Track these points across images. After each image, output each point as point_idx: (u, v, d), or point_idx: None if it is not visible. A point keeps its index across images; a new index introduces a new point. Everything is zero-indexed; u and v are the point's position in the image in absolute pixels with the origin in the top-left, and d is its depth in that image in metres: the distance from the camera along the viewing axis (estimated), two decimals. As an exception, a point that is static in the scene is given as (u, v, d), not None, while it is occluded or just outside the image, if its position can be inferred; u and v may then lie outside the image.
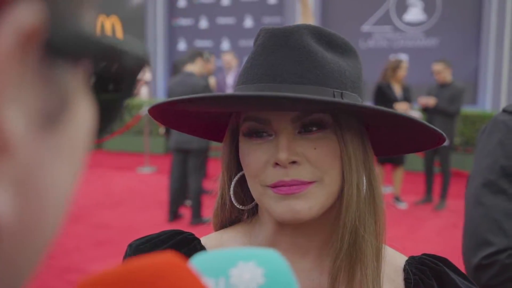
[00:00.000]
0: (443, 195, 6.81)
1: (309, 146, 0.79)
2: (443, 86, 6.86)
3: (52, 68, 0.26)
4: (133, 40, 0.31)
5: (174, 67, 7.12)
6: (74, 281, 4.41)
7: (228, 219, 0.92)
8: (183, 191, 6.34)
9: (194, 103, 0.83)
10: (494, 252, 1.49)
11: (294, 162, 0.78)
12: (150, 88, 12.03)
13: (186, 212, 6.38)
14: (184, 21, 12.50)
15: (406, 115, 0.80)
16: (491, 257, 1.51)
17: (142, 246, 0.89)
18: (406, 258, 0.92)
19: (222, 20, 12.11)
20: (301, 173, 0.77)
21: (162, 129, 7.80)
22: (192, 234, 0.91)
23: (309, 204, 0.77)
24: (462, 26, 10.50)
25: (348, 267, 0.80)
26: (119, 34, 13.13)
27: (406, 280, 0.88)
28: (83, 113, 0.29)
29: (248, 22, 11.95)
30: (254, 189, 0.82)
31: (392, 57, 7.80)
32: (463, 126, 8.84)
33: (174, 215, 6.20)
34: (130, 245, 0.91)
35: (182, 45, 12.53)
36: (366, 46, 10.94)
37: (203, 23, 12.33)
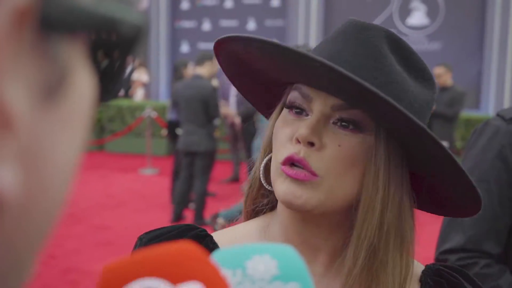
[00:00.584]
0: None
1: (335, 140, 0.76)
2: (443, 89, 6.93)
3: (49, 42, 0.26)
4: (131, 8, 0.30)
5: (175, 68, 7.17)
6: (74, 281, 4.43)
7: (253, 203, 0.89)
8: (189, 193, 6.37)
9: (248, 43, 0.80)
10: (448, 250, 1.53)
11: (312, 145, 0.75)
12: (147, 90, 12.05)
13: (188, 214, 6.39)
14: (187, 24, 12.53)
15: (453, 158, 0.74)
16: (444, 254, 1.55)
17: (153, 242, 0.86)
18: (423, 267, 0.89)
19: (225, 23, 12.14)
20: (312, 158, 0.75)
21: (164, 131, 7.83)
22: (205, 230, 0.88)
23: (306, 195, 0.75)
24: (465, 31, 10.52)
25: (365, 285, 0.77)
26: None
27: None
28: (83, 84, 0.29)
29: (251, 25, 11.99)
30: (273, 165, 0.80)
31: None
32: (465, 131, 8.84)
33: (177, 216, 6.23)
34: (140, 239, 0.89)
35: (185, 47, 12.56)
36: (369, 49, 11.00)
37: (206, 26, 12.37)
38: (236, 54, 0.83)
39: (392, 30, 0.80)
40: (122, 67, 0.32)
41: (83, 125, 0.30)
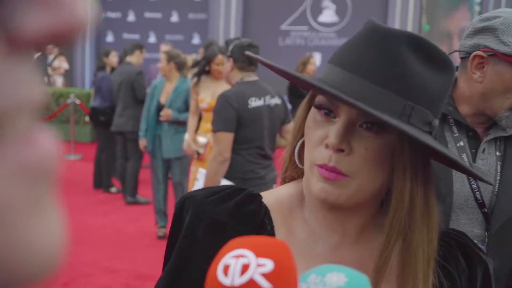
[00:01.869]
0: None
1: (361, 143, 0.79)
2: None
3: None
4: None
5: (99, 57, 7.47)
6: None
7: (290, 176, 0.94)
8: (115, 166, 6.81)
9: (279, 73, 0.87)
10: None
11: (342, 151, 0.79)
12: (72, 78, 12.08)
13: (114, 196, 6.71)
14: (113, 14, 12.60)
15: (463, 164, 0.82)
16: None
17: (210, 199, 0.88)
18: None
19: (149, 15, 12.32)
20: (342, 163, 0.79)
21: (87, 117, 8.00)
22: (253, 190, 0.91)
23: (337, 192, 0.80)
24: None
25: (400, 267, 0.82)
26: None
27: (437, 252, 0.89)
28: None
29: (175, 17, 12.23)
30: (306, 161, 0.84)
31: (307, 54, 8.24)
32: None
33: (108, 185, 6.80)
34: (192, 197, 0.89)
35: (110, 37, 12.63)
36: (284, 43, 11.60)
37: (131, 17, 12.50)
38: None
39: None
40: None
41: None
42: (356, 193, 0.81)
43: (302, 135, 0.88)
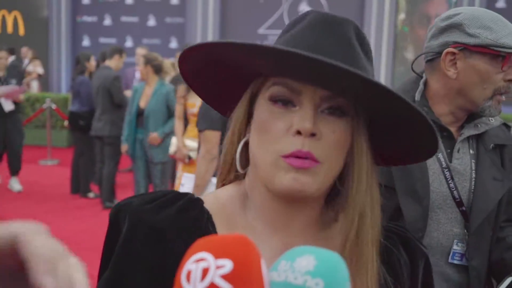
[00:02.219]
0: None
1: (329, 127, 0.79)
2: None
3: None
4: None
5: (77, 61, 7.39)
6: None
7: (228, 178, 0.91)
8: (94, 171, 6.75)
9: (239, 49, 0.79)
10: None
11: (314, 136, 0.77)
12: (48, 82, 11.96)
13: (93, 201, 6.65)
14: (89, 18, 12.53)
15: (413, 105, 0.77)
16: None
17: (148, 207, 0.82)
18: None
19: (126, 19, 12.27)
20: (315, 148, 0.77)
21: (66, 122, 7.92)
22: (193, 195, 0.88)
23: (311, 180, 0.77)
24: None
25: (356, 251, 0.80)
26: (21, 29, 12.93)
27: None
28: None
29: (151, 22, 12.19)
30: (265, 156, 0.80)
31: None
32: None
33: (86, 190, 6.78)
34: (127, 204, 0.84)
35: (86, 42, 12.54)
36: (262, 47, 11.56)
37: (107, 21, 12.42)
38: (205, 56, 0.82)
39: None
40: None
41: None
42: (326, 179, 0.80)
43: (243, 134, 0.86)
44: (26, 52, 11.63)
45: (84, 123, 6.81)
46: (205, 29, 11.64)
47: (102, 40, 12.17)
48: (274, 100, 0.80)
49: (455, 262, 1.63)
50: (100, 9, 12.41)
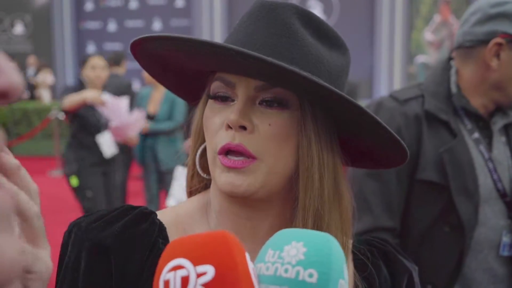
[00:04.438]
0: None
1: (264, 120, 0.76)
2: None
3: None
4: None
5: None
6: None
7: (198, 187, 0.89)
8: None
9: (162, 42, 0.78)
10: (361, 232, 1.53)
11: (244, 128, 0.75)
12: (54, 92, 11.86)
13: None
14: (92, 24, 12.43)
15: (366, 111, 0.74)
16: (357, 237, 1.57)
17: (94, 225, 0.80)
18: (351, 240, 0.90)
19: (131, 23, 12.17)
20: (248, 141, 0.74)
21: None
22: (147, 208, 0.85)
23: (248, 181, 0.75)
24: (358, 27, 11.18)
25: None
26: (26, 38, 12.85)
27: (355, 261, 0.87)
28: None
29: (157, 25, 12.07)
30: (208, 156, 0.79)
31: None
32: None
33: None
34: (77, 224, 0.82)
35: (91, 48, 12.44)
36: (270, 46, 11.42)
37: (112, 26, 12.32)
38: (153, 53, 0.81)
39: (340, 36, 0.83)
40: None
41: None
42: (268, 178, 0.76)
43: (202, 142, 0.84)
44: (32, 61, 11.53)
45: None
46: (211, 31, 11.51)
47: (107, 46, 12.04)
48: (214, 97, 0.79)
49: (505, 254, 1.60)
50: (104, 15, 12.29)
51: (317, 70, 0.76)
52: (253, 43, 0.76)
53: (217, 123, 0.77)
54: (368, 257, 0.87)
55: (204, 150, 0.84)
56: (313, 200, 0.76)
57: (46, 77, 10.92)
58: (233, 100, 0.78)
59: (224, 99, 0.78)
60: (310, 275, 0.54)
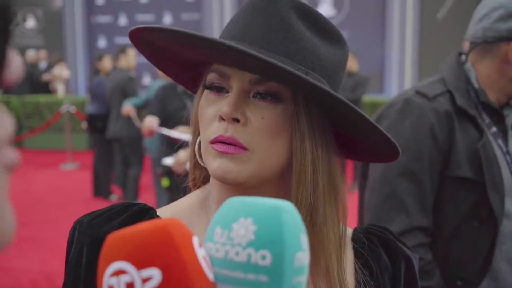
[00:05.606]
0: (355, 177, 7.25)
1: (257, 112, 0.76)
2: (349, 75, 7.28)
3: None
4: None
5: (92, 62, 7.31)
6: (-4, 274, 4.49)
7: (199, 178, 0.90)
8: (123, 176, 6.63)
9: (156, 33, 0.79)
10: (397, 233, 1.48)
11: (237, 121, 0.76)
12: (68, 86, 11.90)
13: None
14: (103, 18, 12.43)
15: (356, 109, 0.74)
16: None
17: (95, 221, 0.83)
18: (351, 229, 0.91)
19: (141, 17, 12.14)
20: (240, 134, 0.75)
21: (84, 124, 7.82)
22: (146, 204, 0.86)
23: (237, 168, 0.75)
24: (369, 20, 11.09)
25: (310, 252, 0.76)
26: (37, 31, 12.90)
27: (355, 249, 0.87)
28: None
29: (167, 19, 12.04)
30: (202, 145, 0.80)
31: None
32: (371, 112, 9.42)
33: (107, 193, 6.72)
34: (79, 222, 0.84)
35: (102, 42, 12.47)
36: (281, 40, 11.38)
37: (122, 20, 12.32)
38: (152, 42, 0.82)
39: (337, 29, 0.82)
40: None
41: None
42: (258, 169, 0.76)
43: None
44: (43, 55, 11.56)
45: (101, 125, 6.71)
46: (222, 25, 11.45)
47: (118, 39, 12.05)
48: (209, 87, 0.80)
49: None
50: (114, 9, 12.30)
51: (312, 65, 0.77)
52: (249, 36, 0.76)
53: (211, 114, 0.78)
54: (367, 245, 0.88)
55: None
56: (305, 195, 0.76)
57: (62, 71, 10.93)
58: (227, 92, 0.78)
59: (218, 90, 0.79)
60: (263, 257, 0.50)
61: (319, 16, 0.80)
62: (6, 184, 0.39)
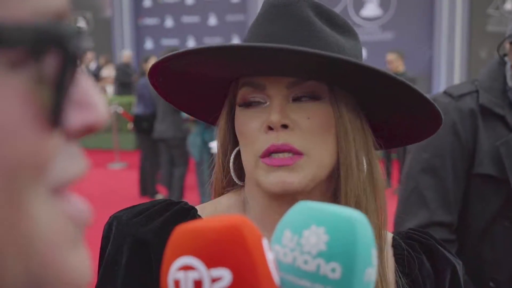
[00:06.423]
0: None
1: (302, 114, 0.76)
2: (396, 75, 7.17)
3: None
4: (71, 24, 0.30)
5: (139, 64, 7.46)
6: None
7: (224, 191, 0.89)
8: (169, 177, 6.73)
9: (188, 57, 0.78)
10: (417, 226, 1.52)
11: (286, 127, 0.75)
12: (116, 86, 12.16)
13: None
14: (150, 21, 12.65)
15: (405, 81, 0.74)
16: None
17: (135, 220, 0.81)
18: (391, 234, 0.89)
19: (187, 19, 12.31)
20: (292, 138, 0.74)
21: (130, 125, 7.96)
22: (187, 204, 0.85)
23: (298, 178, 0.74)
24: (416, 20, 10.89)
25: None
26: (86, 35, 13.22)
27: (396, 256, 0.85)
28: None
29: (212, 20, 12.17)
30: (247, 161, 0.78)
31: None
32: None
33: (153, 192, 6.80)
34: (117, 217, 0.82)
35: (149, 44, 12.69)
36: (326, 41, 11.33)
37: (169, 22, 12.51)
38: (173, 71, 0.81)
39: (348, 21, 0.83)
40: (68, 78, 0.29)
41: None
42: (317, 171, 0.76)
43: (233, 148, 0.84)
44: (90, 57, 11.84)
45: (147, 125, 6.81)
46: (267, 26, 11.47)
47: (165, 41, 12.23)
48: (245, 104, 0.78)
49: None
50: (161, 11, 12.50)
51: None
52: (275, 38, 0.76)
53: (255, 128, 0.77)
54: (409, 252, 0.85)
55: (234, 157, 0.84)
56: (354, 187, 0.77)
57: (111, 73, 11.16)
58: (265, 103, 0.78)
59: (256, 105, 0.78)
60: (333, 270, 0.47)
61: (330, 10, 0.81)
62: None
